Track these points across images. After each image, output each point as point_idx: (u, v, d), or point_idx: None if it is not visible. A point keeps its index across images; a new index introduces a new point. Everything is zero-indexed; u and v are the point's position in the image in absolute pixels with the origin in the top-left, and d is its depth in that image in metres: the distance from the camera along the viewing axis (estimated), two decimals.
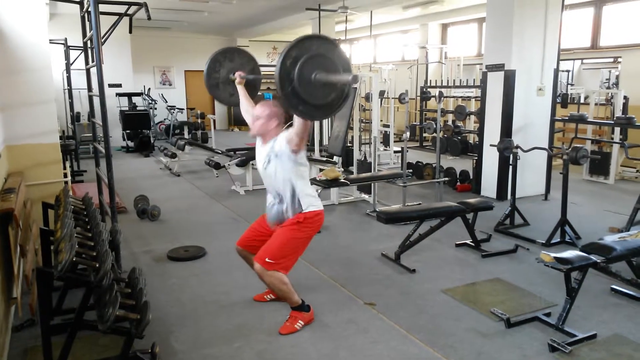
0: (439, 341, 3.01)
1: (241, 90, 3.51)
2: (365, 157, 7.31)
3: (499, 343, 2.99)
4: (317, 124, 7.67)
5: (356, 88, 6.52)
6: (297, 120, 2.74)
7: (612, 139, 7.57)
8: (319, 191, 5.27)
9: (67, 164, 6.22)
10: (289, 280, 3.10)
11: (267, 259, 3.00)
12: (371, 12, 10.70)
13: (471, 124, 9.83)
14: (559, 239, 4.74)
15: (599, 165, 7.53)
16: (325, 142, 7.65)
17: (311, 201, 3.09)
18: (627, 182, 7.59)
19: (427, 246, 4.57)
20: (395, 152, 9.27)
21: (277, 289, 3.09)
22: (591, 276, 3.62)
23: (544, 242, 4.71)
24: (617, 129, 7.32)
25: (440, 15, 12.56)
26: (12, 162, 4.14)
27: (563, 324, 3.08)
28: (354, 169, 6.97)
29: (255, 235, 3.32)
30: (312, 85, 2.46)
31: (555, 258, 3.02)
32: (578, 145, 4.83)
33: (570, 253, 3.13)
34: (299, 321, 3.15)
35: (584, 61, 10.33)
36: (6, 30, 4.04)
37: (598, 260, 3.11)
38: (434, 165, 6.82)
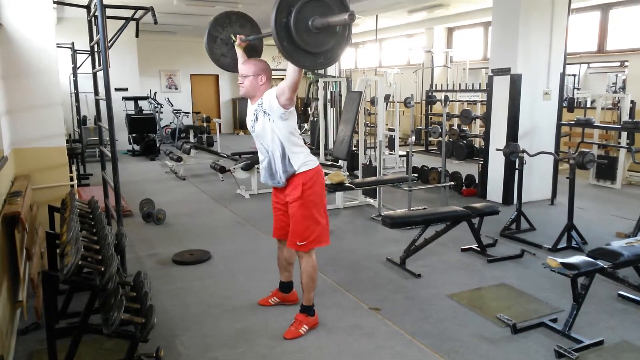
0: (444, 346, 2.99)
1: (240, 53, 3.27)
2: (370, 161, 7.31)
3: (504, 349, 2.97)
4: (322, 127, 7.68)
5: (361, 92, 6.53)
6: (290, 70, 2.66)
7: (619, 143, 7.54)
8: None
9: (74, 168, 6.25)
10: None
11: (298, 243, 3.03)
12: (376, 16, 10.70)
13: (477, 128, 9.81)
14: (565, 244, 4.71)
15: (606, 170, 7.49)
16: (331, 146, 7.65)
17: (302, 159, 3.02)
18: (634, 187, 7.54)
19: (432, 251, 4.55)
20: (401, 156, 9.26)
21: (308, 274, 3.11)
22: (598, 282, 3.60)
23: (550, 247, 4.68)
24: (624, 134, 7.28)
25: (445, 19, 12.55)
26: (19, 166, 4.16)
27: (569, 330, 3.05)
28: (359, 173, 6.97)
29: (278, 217, 3.28)
30: (308, 31, 2.41)
31: (562, 263, 3.00)
32: (584, 150, 4.81)
33: (576, 258, 3.11)
34: (304, 325, 3.14)
35: (591, 65, 10.29)
36: (14, 34, 4.07)
37: (605, 266, 3.09)
38: (439, 169, 6.80)
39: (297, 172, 3.01)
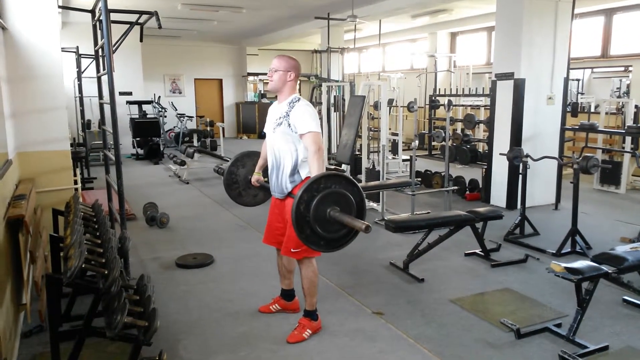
0: (447, 351, 2.98)
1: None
2: (373, 165, 7.30)
3: (508, 354, 2.96)
4: (325, 132, 7.68)
5: (365, 96, 6.53)
6: (311, 153, 2.87)
7: (623, 148, 7.51)
8: None
9: (78, 171, 6.27)
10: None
11: (292, 250, 3.02)
12: (380, 21, 10.73)
13: (480, 132, 9.79)
14: (569, 249, 4.70)
15: (610, 175, 7.46)
16: (334, 150, 7.65)
17: (307, 172, 3.04)
18: (639, 192, 7.51)
19: (435, 255, 4.54)
20: (404, 160, 9.25)
21: (309, 280, 3.10)
22: (602, 287, 3.59)
23: (554, 252, 4.66)
24: (628, 138, 7.25)
25: (449, 24, 12.57)
26: (24, 169, 4.18)
27: (574, 335, 3.04)
28: (362, 177, 6.96)
29: (273, 225, 3.29)
30: (326, 221, 2.59)
31: (566, 268, 2.99)
32: (588, 155, 4.80)
33: (581, 263, 3.10)
34: (307, 330, 3.14)
35: (595, 70, 10.28)
36: (19, 38, 4.09)
37: (609, 271, 3.08)
38: (442, 173, 6.80)
39: (302, 179, 3.03)
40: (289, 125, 2.96)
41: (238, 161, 3.57)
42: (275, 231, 3.25)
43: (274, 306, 3.51)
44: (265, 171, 3.43)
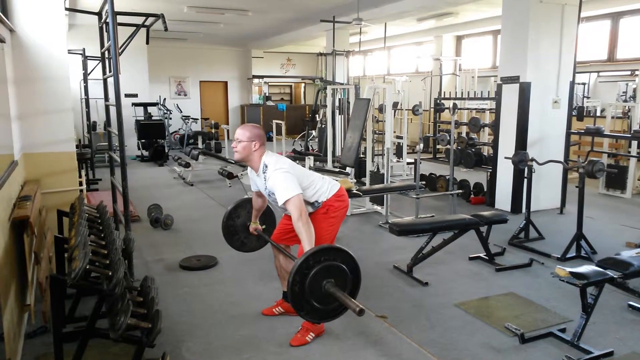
0: (451, 356, 2.97)
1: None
2: (378, 168, 7.30)
3: (512, 359, 2.94)
4: (330, 135, 7.68)
5: (369, 99, 6.53)
6: (294, 218, 2.83)
7: (629, 152, 7.47)
8: None
9: (83, 173, 6.30)
10: None
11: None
12: (385, 24, 10.72)
13: (485, 136, 9.77)
14: (574, 254, 4.67)
15: (616, 179, 7.42)
16: (338, 153, 7.65)
17: (324, 191, 3.14)
18: None
19: (440, 259, 4.53)
20: (409, 163, 9.24)
21: None
22: (607, 292, 3.56)
23: (559, 256, 4.64)
24: (634, 143, 7.22)
25: (454, 28, 12.56)
26: (29, 170, 4.20)
27: (578, 341, 3.02)
28: (366, 180, 6.96)
29: (285, 225, 3.33)
30: (323, 295, 2.58)
31: (571, 273, 2.97)
32: (594, 159, 4.78)
33: (586, 268, 3.07)
34: (310, 333, 3.13)
35: (601, 74, 10.23)
36: (26, 40, 4.12)
37: (615, 276, 3.06)
38: (447, 177, 6.78)
39: (321, 203, 3.13)
40: (273, 192, 3.00)
41: (232, 214, 3.60)
42: (285, 231, 3.32)
43: (277, 309, 3.51)
44: (262, 218, 3.56)
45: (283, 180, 2.91)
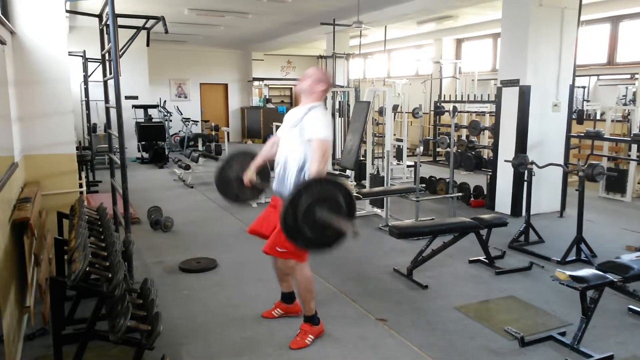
0: (451, 359, 2.97)
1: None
2: (378, 171, 7.30)
3: None
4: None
5: (369, 102, 6.54)
6: (314, 161, 2.84)
7: (629, 156, 7.48)
8: None
9: (83, 175, 6.29)
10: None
11: (277, 248, 2.98)
12: (385, 27, 10.75)
13: (485, 139, 9.78)
14: (574, 257, 4.67)
15: (616, 183, 7.42)
16: (338, 155, 7.66)
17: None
18: None
19: (439, 262, 4.53)
20: (409, 166, 9.24)
21: (303, 287, 3.09)
22: (608, 295, 3.56)
23: (559, 259, 4.64)
24: (634, 146, 7.23)
25: (454, 31, 12.58)
26: (29, 172, 4.20)
27: (578, 344, 3.01)
28: (366, 183, 6.96)
29: (263, 220, 3.24)
30: (315, 224, 2.57)
31: (571, 276, 2.97)
32: (594, 162, 4.78)
33: (586, 271, 3.08)
34: (309, 335, 3.13)
35: (601, 77, 10.25)
36: (27, 42, 4.12)
37: (615, 279, 3.06)
38: (447, 180, 6.78)
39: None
40: (302, 128, 2.99)
41: (226, 166, 3.49)
42: (265, 220, 3.21)
43: (275, 311, 3.50)
44: (260, 173, 3.39)
45: (324, 122, 2.99)
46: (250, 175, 3.32)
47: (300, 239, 2.62)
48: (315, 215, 2.54)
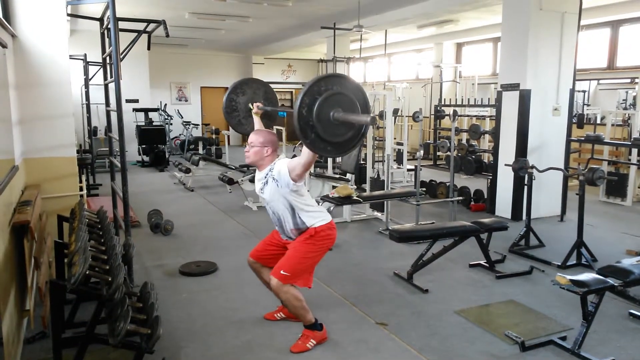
0: None
1: (257, 120, 3.49)
2: (378, 174, 7.30)
3: None
4: None
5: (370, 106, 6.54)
6: (305, 151, 2.71)
7: (630, 160, 7.48)
8: (332, 208, 5.26)
9: (83, 178, 6.30)
10: (304, 298, 3.09)
11: (282, 272, 2.99)
12: (386, 31, 10.77)
13: (486, 143, 9.79)
14: (575, 261, 4.66)
15: (616, 187, 7.42)
16: (339, 159, 7.66)
17: (315, 216, 3.07)
18: None
19: (440, 266, 4.52)
20: (409, 170, 9.25)
21: (292, 305, 3.07)
22: (608, 300, 3.56)
23: (559, 264, 4.63)
24: (635, 150, 7.23)
25: (454, 35, 12.61)
26: (30, 175, 4.20)
27: (579, 349, 3.01)
28: (366, 186, 6.95)
29: (268, 247, 3.32)
30: (330, 124, 2.50)
31: (572, 280, 2.97)
32: (594, 166, 4.78)
33: (586, 276, 3.07)
34: (311, 340, 3.12)
35: (601, 81, 10.26)
36: (28, 45, 4.13)
37: (615, 284, 3.05)
38: (447, 184, 6.78)
39: (308, 227, 3.05)
40: (274, 179, 2.99)
41: (237, 88, 3.50)
42: (269, 250, 3.29)
43: (278, 314, 3.50)
44: (264, 116, 3.51)
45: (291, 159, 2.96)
46: (257, 104, 3.44)
47: (318, 144, 2.54)
48: (330, 115, 2.48)
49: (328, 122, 2.49)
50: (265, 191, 3.07)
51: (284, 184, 2.95)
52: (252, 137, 3.08)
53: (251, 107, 3.50)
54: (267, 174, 3.04)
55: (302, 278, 3.06)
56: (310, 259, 3.07)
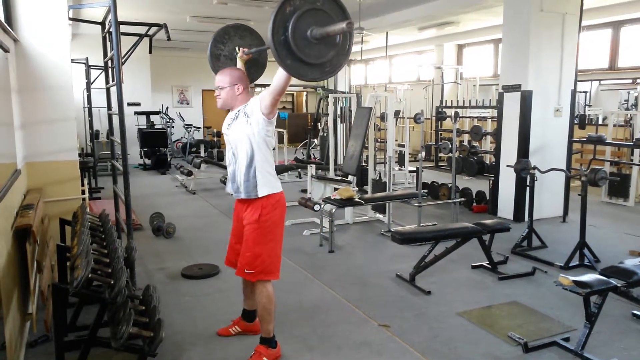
0: None
1: (241, 67, 3.15)
2: (380, 176, 7.31)
3: None
4: (332, 143, 7.70)
5: (371, 108, 6.55)
6: (275, 77, 2.52)
7: (632, 160, 7.47)
8: (334, 210, 5.26)
9: (85, 181, 6.30)
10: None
11: (245, 270, 2.85)
12: (387, 33, 10.78)
13: (487, 144, 9.78)
14: (577, 262, 4.65)
15: (618, 187, 7.41)
16: (340, 161, 7.66)
17: (267, 179, 2.84)
18: None
19: (442, 267, 4.52)
20: (411, 171, 9.24)
21: (263, 307, 2.90)
22: (611, 301, 3.55)
23: (562, 264, 4.62)
24: (637, 151, 7.21)
25: (455, 37, 12.61)
26: (32, 179, 4.21)
27: (582, 350, 3.00)
28: (368, 188, 6.95)
29: (234, 248, 3.14)
30: (308, 42, 2.32)
31: (574, 281, 2.96)
32: (596, 167, 4.77)
33: (589, 276, 3.06)
34: (264, 358, 2.91)
35: (602, 82, 10.25)
36: (30, 49, 4.15)
37: (618, 285, 3.04)
38: (449, 185, 6.78)
39: (259, 195, 2.83)
40: (245, 114, 2.78)
41: (239, 29, 3.30)
42: (234, 250, 3.09)
43: (233, 328, 3.32)
44: (251, 65, 3.26)
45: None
46: (243, 48, 3.18)
47: (297, 68, 2.36)
48: (307, 34, 2.31)
49: (308, 44, 2.32)
50: (232, 128, 2.85)
51: (254, 120, 2.74)
52: (219, 78, 2.86)
53: (237, 51, 3.22)
54: (239, 109, 2.85)
55: (267, 268, 2.86)
56: (267, 243, 2.87)
